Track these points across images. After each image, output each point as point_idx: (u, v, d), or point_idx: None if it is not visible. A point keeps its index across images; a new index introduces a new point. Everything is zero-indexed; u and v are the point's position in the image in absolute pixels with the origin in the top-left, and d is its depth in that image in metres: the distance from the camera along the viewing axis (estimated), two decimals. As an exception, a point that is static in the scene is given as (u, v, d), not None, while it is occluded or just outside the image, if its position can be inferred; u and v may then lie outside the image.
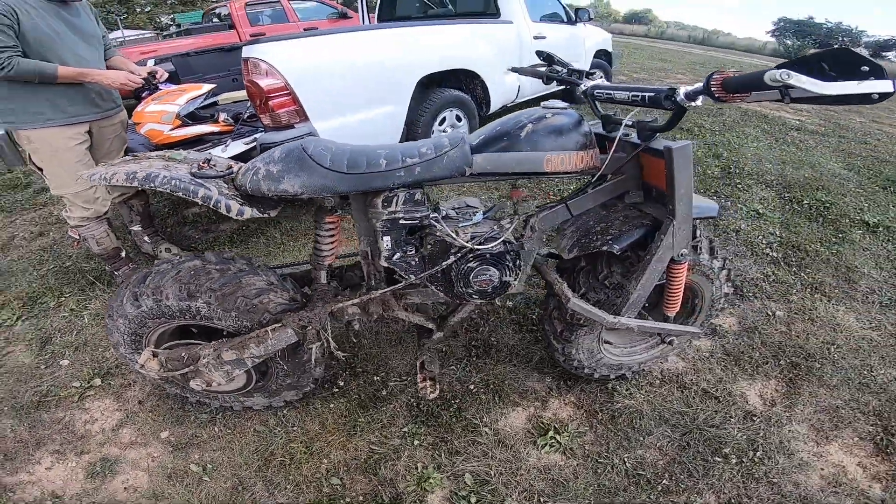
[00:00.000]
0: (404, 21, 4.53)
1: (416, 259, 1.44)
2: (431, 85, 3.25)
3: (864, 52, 0.94)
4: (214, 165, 1.49)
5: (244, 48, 2.29)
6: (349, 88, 2.55)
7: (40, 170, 2.35)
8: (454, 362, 1.94)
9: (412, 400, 1.77)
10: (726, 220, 3.04)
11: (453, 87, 3.43)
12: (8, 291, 2.58)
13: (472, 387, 1.82)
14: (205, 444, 1.64)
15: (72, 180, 2.34)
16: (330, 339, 1.53)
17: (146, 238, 2.88)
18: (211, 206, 1.35)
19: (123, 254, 2.72)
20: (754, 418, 1.64)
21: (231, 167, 1.49)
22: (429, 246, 1.42)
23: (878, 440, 1.58)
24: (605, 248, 1.42)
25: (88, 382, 1.93)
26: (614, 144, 1.45)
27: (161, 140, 2.46)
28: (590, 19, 4.76)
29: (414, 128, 3.09)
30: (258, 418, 1.72)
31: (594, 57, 5.30)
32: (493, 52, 3.59)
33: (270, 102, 2.35)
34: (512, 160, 1.32)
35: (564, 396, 1.77)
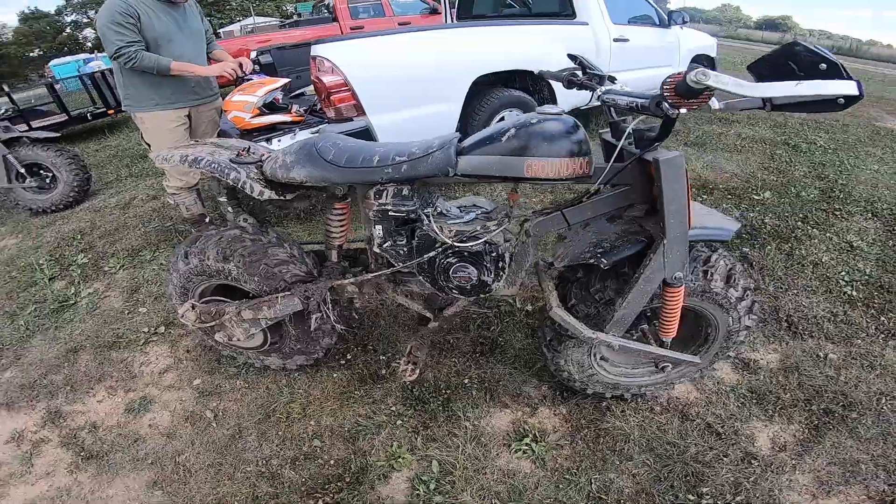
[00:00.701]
0: (479, 20, 4.59)
1: (405, 249, 1.52)
2: (496, 84, 3.28)
3: (820, 49, 0.83)
4: (253, 153, 1.69)
5: (312, 47, 2.53)
6: (403, 86, 2.69)
7: (149, 145, 2.81)
8: (458, 355, 1.99)
9: (408, 385, 1.85)
10: (806, 249, 2.69)
11: (518, 87, 3.42)
12: (119, 244, 3.12)
13: (466, 381, 1.86)
14: (224, 395, 1.88)
15: (170, 156, 2.76)
16: (329, 311, 1.67)
17: (230, 208, 3.28)
18: (239, 186, 1.56)
19: (208, 219, 3.14)
20: (753, 461, 1.49)
21: (263, 155, 1.68)
22: (416, 238, 1.49)
23: (887, 499, 1.35)
24: (592, 260, 1.38)
25: (155, 329, 2.28)
26: (615, 153, 1.40)
27: (243, 126, 2.79)
28: (684, 22, 4.41)
29: (468, 126, 3.15)
30: (273, 377, 1.93)
31: (692, 61, 4.91)
32: (562, 53, 3.51)
33: (332, 97, 2.56)
34: (492, 163, 1.33)
35: (555, 407, 1.75)
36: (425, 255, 1.47)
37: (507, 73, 3.27)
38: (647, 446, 1.56)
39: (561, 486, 1.46)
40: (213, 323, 1.77)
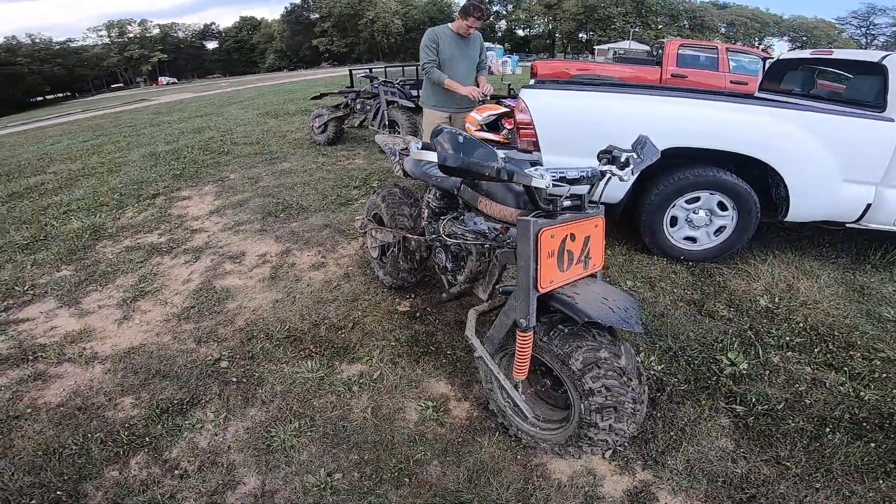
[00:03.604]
0: (783, 95, 3.98)
1: (432, 229, 2.27)
2: (706, 162, 3.12)
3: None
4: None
5: (522, 90, 3.23)
6: (577, 137, 3.03)
7: (422, 130, 4.19)
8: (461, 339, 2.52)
9: (421, 330, 2.59)
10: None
11: (738, 172, 3.12)
12: (395, 180, 4.76)
13: (449, 352, 2.42)
14: (351, 279, 3.10)
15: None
16: (398, 252, 2.58)
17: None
18: (392, 165, 2.62)
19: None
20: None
21: None
22: (435, 225, 2.23)
23: None
24: (496, 290, 1.83)
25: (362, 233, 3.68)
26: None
27: (469, 135, 3.82)
28: None
29: (645, 192, 3.22)
30: (377, 285, 3.00)
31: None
32: (821, 149, 2.91)
33: (520, 132, 3.23)
34: (468, 194, 1.91)
35: (476, 407, 2.09)
36: (431, 236, 2.20)
37: (736, 156, 3.03)
38: (473, 470, 1.80)
39: (408, 442, 1.93)
40: (363, 231, 2.96)
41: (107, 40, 73.51)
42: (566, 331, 1.60)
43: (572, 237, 1.58)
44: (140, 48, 71.31)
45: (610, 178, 1.65)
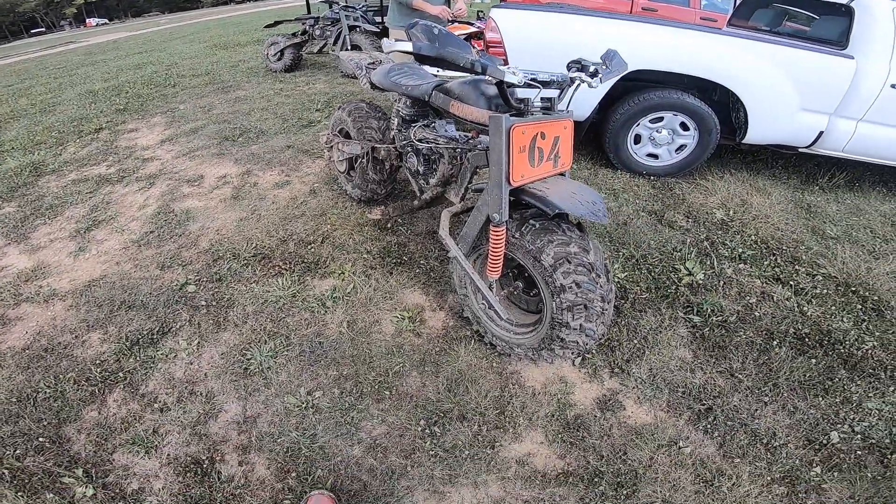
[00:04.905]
0: (750, 30, 3.95)
1: (403, 136, 2.21)
2: (671, 86, 3.12)
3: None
4: (380, 64, 2.53)
5: (492, 9, 3.05)
6: (546, 57, 2.93)
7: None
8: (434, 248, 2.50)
9: (393, 241, 2.55)
10: None
11: (703, 98, 3.14)
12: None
13: (423, 262, 2.40)
14: (318, 195, 2.99)
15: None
16: (368, 162, 2.49)
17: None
18: (359, 79, 2.46)
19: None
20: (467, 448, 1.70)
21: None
22: (406, 131, 2.16)
23: None
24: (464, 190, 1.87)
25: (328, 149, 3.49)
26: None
27: (441, 54, 3.63)
28: None
29: (611, 111, 3.20)
30: (344, 199, 2.92)
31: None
32: (782, 79, 2.95)
33: (489, 50, 3.09)
34: (440, 99, 1.83)
35: (451, 318, 2.09)
36: (402, 142, 2.13)
37: (704, 82, 3.03)
38: (452, 380, 1.81)
39: (386, 354, 1.93)
40: (329, 146, 2.80)
41: (21, -16, 63.71)
42: (537, 226, 1.60)
43: (542, 136, 1.56)
44: (63, -11, 62.43)
45: (579, 84, 1.63)
